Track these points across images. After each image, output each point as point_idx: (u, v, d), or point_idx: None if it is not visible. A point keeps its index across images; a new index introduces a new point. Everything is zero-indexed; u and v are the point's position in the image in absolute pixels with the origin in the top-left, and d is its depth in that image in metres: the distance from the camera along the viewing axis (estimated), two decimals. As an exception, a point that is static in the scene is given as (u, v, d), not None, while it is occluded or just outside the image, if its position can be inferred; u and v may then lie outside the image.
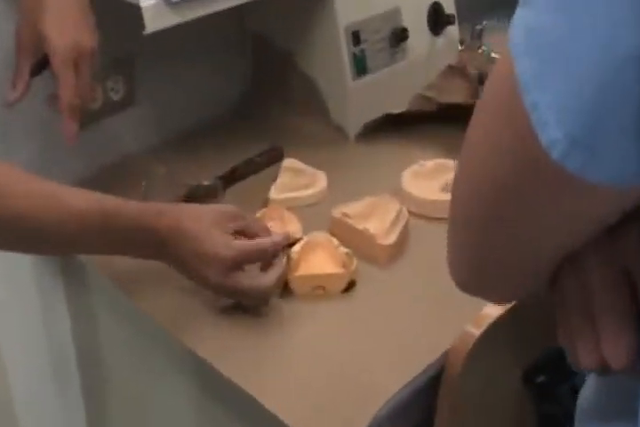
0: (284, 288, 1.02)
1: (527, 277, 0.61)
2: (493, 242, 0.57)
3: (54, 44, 0.97)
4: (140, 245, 0.92)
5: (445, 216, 1.21)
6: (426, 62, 1.43)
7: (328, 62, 1.32)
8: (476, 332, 0.94)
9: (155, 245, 0.92)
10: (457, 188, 0.57)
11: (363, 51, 1.33)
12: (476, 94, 1.35)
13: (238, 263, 0.94)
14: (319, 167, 1.25)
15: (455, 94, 1.38)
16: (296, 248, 1.02)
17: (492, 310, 0.96)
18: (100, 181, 1.21)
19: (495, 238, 0.56)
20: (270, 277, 0.96)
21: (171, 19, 1.04)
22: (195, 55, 1.32)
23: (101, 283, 1.12)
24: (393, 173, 1.24)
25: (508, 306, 0.96)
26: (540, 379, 1.07)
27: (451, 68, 1.39)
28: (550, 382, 1.06)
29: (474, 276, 0.62)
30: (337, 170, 1.26)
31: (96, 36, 1.01)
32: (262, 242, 0.97)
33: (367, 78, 1.34)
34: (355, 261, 1.03)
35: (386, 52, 1.37)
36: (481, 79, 1.36)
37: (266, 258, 0.98)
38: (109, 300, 1.15)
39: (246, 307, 0.99)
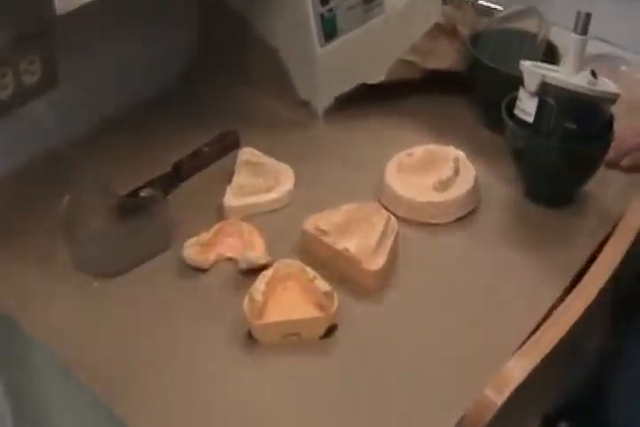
0: (247, 337, 0.81)
1: None
2: None
3: None
4: None
5: (441, 221, 1.03)
6: (406, 18, 1.19)
7: (291, 26, 1.08)
8: (498, 399, 0.75)
9: None
10: None
11: (332, 10, 1.08)
12: (467, 58, 1.12)
13: None
14: (283, 158, 1.03)
15: (443, 58, 1.15)
16: (259, 286, 0.81)
17: (515, 370, 0.77)
18: (11, 188, 0.98)
19: None
20: None
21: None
22: (128, 21, 1.06)
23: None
24: (373, 163, 1.03)
25: (533, 364, 0.77)
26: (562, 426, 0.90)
27: (437, 26, 1.15)
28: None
29: None
30: (304, 161, 1.04)
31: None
32: None
33: (337, 42, 1.11)
34: (336, 300, 0.82)
35: (359, 9, 1.13)
36: (473, 39, 1.13)
37: None
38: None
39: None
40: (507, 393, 0.75)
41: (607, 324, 1.02)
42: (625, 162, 1.04)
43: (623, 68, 1.28)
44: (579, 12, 0.93)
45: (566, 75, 0.93)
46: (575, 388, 0.97)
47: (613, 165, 1.04)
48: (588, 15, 0.93)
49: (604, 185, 1.03)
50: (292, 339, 0.81)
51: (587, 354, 0.98)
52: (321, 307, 0.81)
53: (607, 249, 0.91)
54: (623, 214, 0.94)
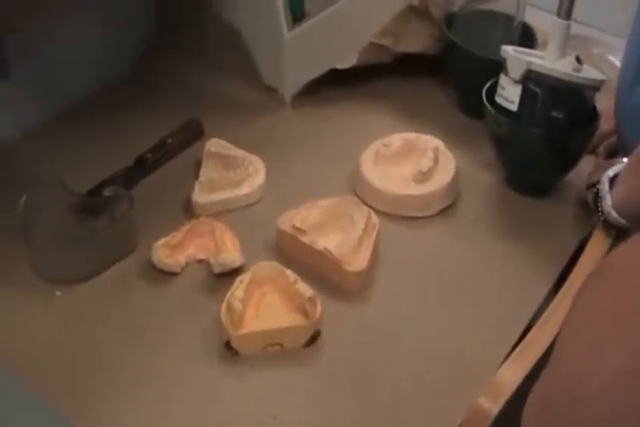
0: (227, 348, 0.76)
1: None
2: None
3: None
4: None
5: (423, 214, 0.98)
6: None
7: (256, 7, 1.01)
8: (493, 408, 0.71)
9: None
10: None
11: (299, -9, 1.02)
12: (441, 40, 1.07)
13: None
14: (250, 148, 0.96)
15: (415, 41, 1.09)
16: (238, 293, 0.75)
17: (509, 376, 0.73)
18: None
19: None
20: None
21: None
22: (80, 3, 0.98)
23: None
24: (346, 152, 0.98)
25: (526, 369, 0.73)
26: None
27: (409, 8, 1.09)
28: None
29: None
30: (273, 152, 0.98)
31: None
32: None
33: (306, 26, 1.04)
34: (319, 306, 0.76)
35: (327, -11, 1.07)
36: (448, 21, 1.08)
37: None
38: None
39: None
40: (501, 401, 0.71)
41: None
42: (600, 149, 1.00)
43: (595, 50, 1.24)
44: (562, -3, 0.88)
45: (551, 61, 0.89)
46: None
47: (589, 152, 1.00)
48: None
49: (583, 172, 0.99)
50: (275, 349, 0.76)
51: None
52: (303, 313, 0.76)
53: (594, 240, 0.88)
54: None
